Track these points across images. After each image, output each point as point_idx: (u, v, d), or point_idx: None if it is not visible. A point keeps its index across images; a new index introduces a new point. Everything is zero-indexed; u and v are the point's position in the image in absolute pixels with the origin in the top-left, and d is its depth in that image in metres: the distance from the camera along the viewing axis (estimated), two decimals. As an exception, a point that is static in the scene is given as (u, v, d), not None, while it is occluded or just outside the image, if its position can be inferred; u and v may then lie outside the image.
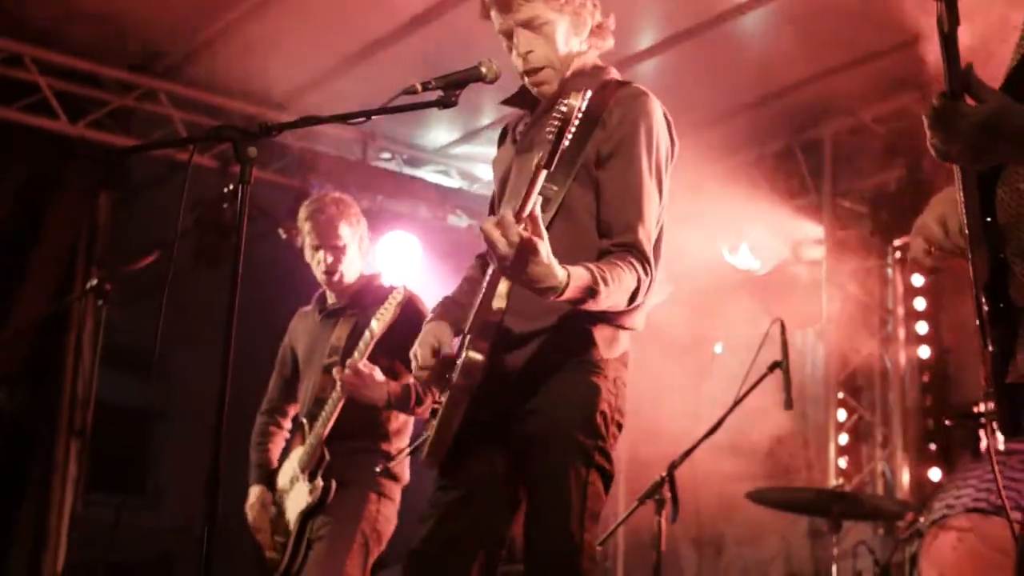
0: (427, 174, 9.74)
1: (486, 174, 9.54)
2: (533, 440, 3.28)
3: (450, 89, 3.22)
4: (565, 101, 2.85)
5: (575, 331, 3.30)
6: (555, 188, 3.20)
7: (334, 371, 4.89)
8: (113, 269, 4.84)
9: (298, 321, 5.46)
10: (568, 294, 3.02)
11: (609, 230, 3.31)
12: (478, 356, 3.23)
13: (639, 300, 3.25)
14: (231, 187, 4.79)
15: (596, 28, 3.54)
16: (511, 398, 3.31)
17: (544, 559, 3.25)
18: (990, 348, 2.33)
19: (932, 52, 2.34)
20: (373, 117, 3.15)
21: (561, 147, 2.86)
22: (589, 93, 2.92)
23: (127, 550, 8.68)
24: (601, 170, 3.32)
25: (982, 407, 5.43)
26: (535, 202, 2.93)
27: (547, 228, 2.98)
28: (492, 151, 3.84)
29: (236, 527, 5.26)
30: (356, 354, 4.81)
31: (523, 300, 3.19)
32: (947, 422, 5.86)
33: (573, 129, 2.85)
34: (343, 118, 3.19)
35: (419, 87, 3.12)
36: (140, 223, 7.55)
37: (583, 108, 2.84)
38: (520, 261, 2.90)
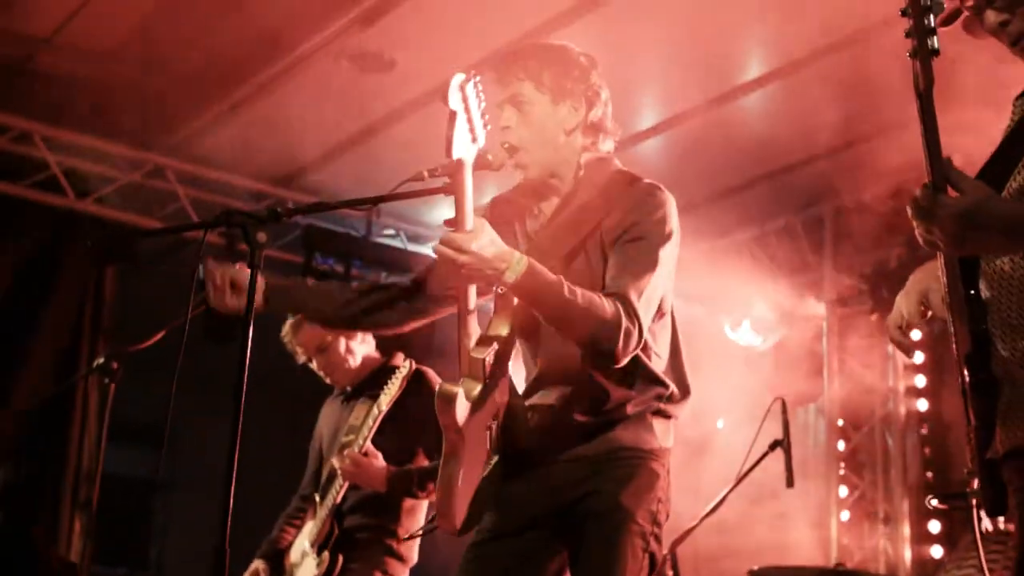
0: (431, 250, 9.77)
1: (489, 250, 9.58)
2: (593, 517, 3.29)
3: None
4: None
5: (638, 421, 3.38)
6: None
7: (333, 459, 4.94)
8: (120, 348, 4.86)
9: (325, 407, 5.55)
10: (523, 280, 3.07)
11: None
12: None
13: (619, 344, 3.14)
14: (238, 266, 4.85)
15: (591, 125, 3.48)
16: (572, 479, 3.33)
17: None
18: (972, 422, 2.36)
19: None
20: (376, 195, 3.21)
21: None
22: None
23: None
24: (612, 254, 3.30)
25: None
26: None
27: None
28: (493, 228, 3.85)
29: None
30: (364, 431, 4.85)
31: (583, 392, 3.31)
32: (935, 503, 5.78)
33: None
34: (350, 204, 3.23)
35: (426, 174, 3.12)
36: (146, 297, 7.58)
37: None
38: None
